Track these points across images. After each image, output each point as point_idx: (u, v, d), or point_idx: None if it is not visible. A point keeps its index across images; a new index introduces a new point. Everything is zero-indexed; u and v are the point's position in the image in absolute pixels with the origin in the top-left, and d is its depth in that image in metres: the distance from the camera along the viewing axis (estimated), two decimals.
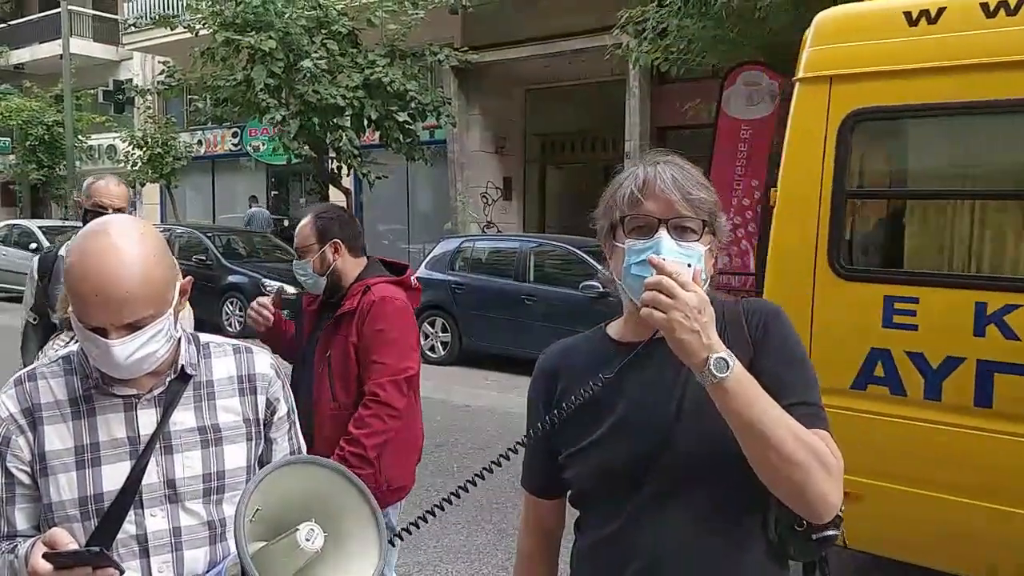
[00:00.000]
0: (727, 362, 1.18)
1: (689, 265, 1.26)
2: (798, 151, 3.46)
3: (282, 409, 1.56)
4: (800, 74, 3.52)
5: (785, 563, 1.41)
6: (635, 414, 1.36)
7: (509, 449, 1.51)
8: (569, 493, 1.51)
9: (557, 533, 1.62)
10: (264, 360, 1.56)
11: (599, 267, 8.93)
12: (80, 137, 20.90)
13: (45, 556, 1.24)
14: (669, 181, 1.32)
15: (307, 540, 1.22)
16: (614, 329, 1.48)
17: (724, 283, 10.61)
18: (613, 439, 1.37)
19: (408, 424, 2.86)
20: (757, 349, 1.36)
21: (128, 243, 1.32)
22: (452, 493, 1.54)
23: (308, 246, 2.83)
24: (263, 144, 18.29)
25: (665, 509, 1.34)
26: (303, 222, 2.90)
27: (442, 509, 1.56)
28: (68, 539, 1.27)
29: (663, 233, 1.29)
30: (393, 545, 1.42)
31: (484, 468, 1.52)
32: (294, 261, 2.93)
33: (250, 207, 19.37)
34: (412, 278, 2.99)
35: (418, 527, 1.55)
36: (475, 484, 1.53)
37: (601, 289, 8.81)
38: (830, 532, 1.33)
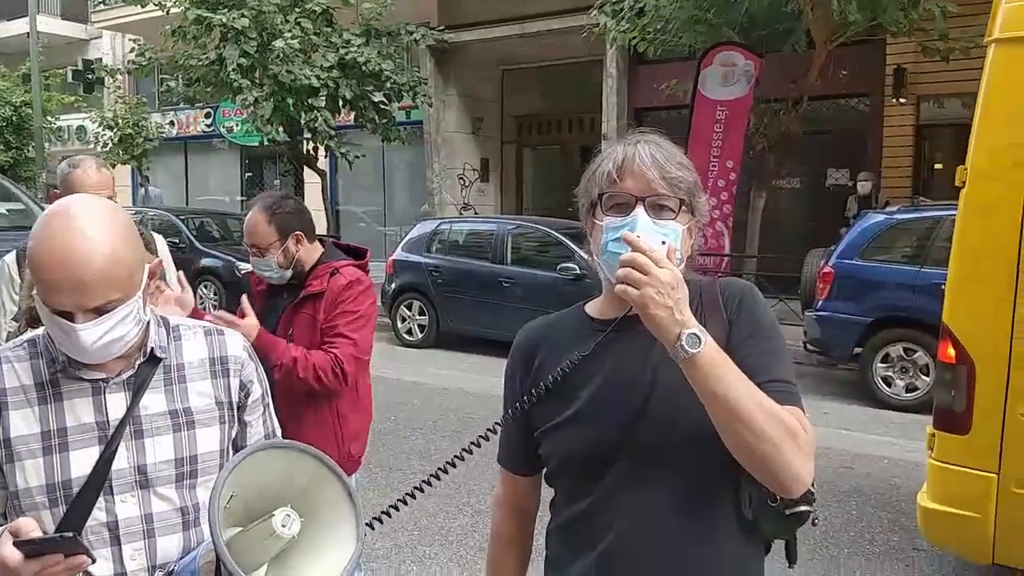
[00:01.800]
0: (699, 338, 1.19)
1: (664, 242, 1.27)
2: (996, 123, 3.10)
3: (256, 391, 1.54)
4: (996, 34, 3.12)
5: (758, 540, 1.42)
6: (609, 391, 1.37)
7: (488, 430, 1.51)
8: (544, 470, 1.51)
9: (532, 513, 1.61)
10: (236, 342, 1.54)
11: (577, 249, 8.94)
12: (49, 118, 20.49)
13: (15, 544, 1.21)
14: (648, 160, 1.32)
15: (283, 526, 1.20)
16: (592, 307, 1.49)
17: (699, 264, 10.65)
18: (587, 416, 1.38)
19: (365, 397, 2.98)
20: (732, 327, 1.37)
21: (94, 224, 1.28)
22: (431, 475, 1.54)
23: (270, 244, 2.78)
24: (237, 125, 18.05)
25: (638, 486, 1.35)
26: (255, 219, 2.81)
27: (422, 491, 1.55)
28: (33, 527, 1.24)
29: (639, 211, 1.30)
30: (372, 528, 1.41)
31: (463, 449, 1.51)
32: (252, 258, 2.86)
33: (142, 187, 19.04)
34: (368, 263, 3.03)
35: (397, 509, 1.54)
36: (454, 466, 1.53)
37: (578, 271, 8.83)
38: (803, 508, 1.34)
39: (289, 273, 2.84)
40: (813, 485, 1.33)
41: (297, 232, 2.81)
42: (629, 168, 1.33)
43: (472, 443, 1.50)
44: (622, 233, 1.27)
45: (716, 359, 1.20)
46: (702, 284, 1.43)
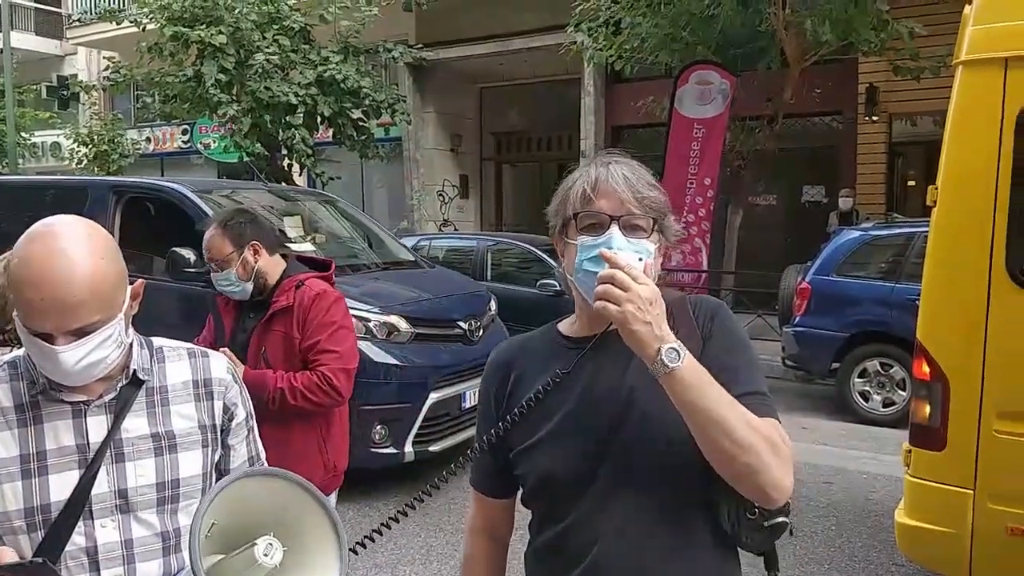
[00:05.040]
0: (678, 352, 1.20)
1: (640, 259, 1.29)
2: (964, 145, 3.14)
3: (240, 414, 1.53)
4: (962, 56, 3.16)
5: (736, 553, 1.43)
6: (585, 410, 1.38)
7: (468, 451, 1.51)
8: (520, 493, 1.50)
9: (505, 536, 1.61)
10: (220, 364, 1.52)
11: (556, 265, 8.96)
12: (23, 134, 20.29)
13: None
14: (620, 180, 1.35)
15: (265, 555, 1.18)
16: (565, 326, 1.50)
17: (676, 281, 10.74)
18: (564, 435, 1.38)
19: (344, 411, 2.96)
20: (705, 342, 1.38)
21: (75, 245, 1.27)
22: (414, 498, 1.53)
23: (227, 256, 2.79)
24: (214, 141, 17.98)
25: (616, 504, 1.35)
26: (211, 233, 2.82)
27: (406, 514, 1.54)
28: (10, 555, 1.21)
29: (614, 230, 1.32)
30: (356, 553, 1.40)
31: (439, 477, 1.51)
32: (213, 275, 2.85)
33: None
34: (333, 275, 3.04)
35: (381, 534, 1.53)
36: (438, 488, 1.52)
37: (557, 287, 8.85)
38: (780, 519, 1.35)
39: (250, 286, 2.82)
40: (791, 497, 1.34)
41: (253, 243, 2.80)
42: (603, 188, 1.35)
43: (447, 471, 1.50)
44: (600, 250, 1.28)
45: (695, 372, 1.22)
46: (673, 301, 1.44)
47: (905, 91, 10.98)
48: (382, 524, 1.50)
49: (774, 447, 1.24)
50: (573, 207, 1.37)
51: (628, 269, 1.23)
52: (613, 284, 1.21)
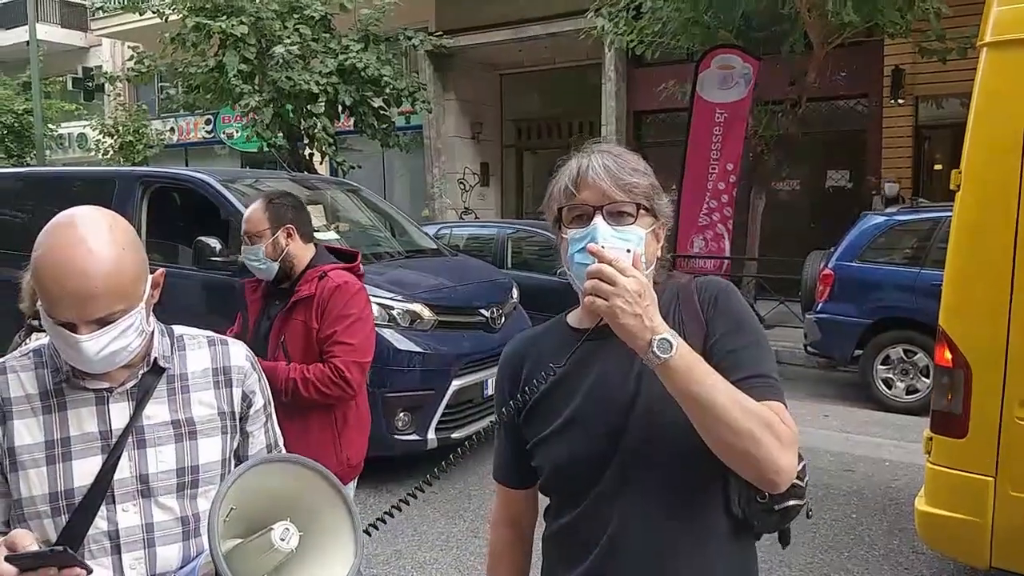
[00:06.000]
0: (670, 343, 1.20)
1: (629, 250, 1.29)
2: (990, 126, 3.13)
3: (258, 402, 1.55)
4: (987, 38, 3.16)
5: (750, 536, 1.44)
6: (594, 400, 1.39)
7: (475, 433, 1.53)
8: (539, 481, 1.53)
9: (529, 524, 1.63)
10: (240, 352, 1.55)
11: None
12: (50, 125, 20.55)
13: (7, 559, 1.21)
14: (600, 170, 1.35)
15: (282, 540, 1.20)
16: (573, 317, 1.52)
17: (699, 267, 10.69)
18: (574, 426, 1.40)
19: (363, 404, 2.97)
20: (709, 325, 1.38)
21: (97, 236, 1.29)
22: (423, 480, 1.55)
23: (261, 231, 2.82)
24: (237, 131, 18.11)
25: (627, 491, 1.37)
26: (254, 207, 2.88)
27: (415, 497, 1.57)
28: (29, 540, 1.24)
29: (598, 220, 1.32)
30: (369, 535, 1.42)
31: (452, 454, 1.53)
32: (244, 247, 2.89)
33: None
34: (360, 266, 3.06)
35: (392, 516, 1.55)
36: (445, 470, 1.54)
37: None
38: (792, 502, 1.36)
39: (275, 267, 2.85)
40: (802, 480, 1.35)
41: (289, 225, 2.84)
42: (584, 180, 1.36)
43: (455, 453, 1.52)
44: (587, 245, 1.29)
45: (689, 361, 1.22)
46: (679, 285, 1.45)
47: (931, 73, 10.81)
48: (385, 512, 1.53)
49: (772, 430, 1.24)
50: (558, 201, 1.39)
51: (616, 263, 1.22)
52: (601, 279, 1.22)
